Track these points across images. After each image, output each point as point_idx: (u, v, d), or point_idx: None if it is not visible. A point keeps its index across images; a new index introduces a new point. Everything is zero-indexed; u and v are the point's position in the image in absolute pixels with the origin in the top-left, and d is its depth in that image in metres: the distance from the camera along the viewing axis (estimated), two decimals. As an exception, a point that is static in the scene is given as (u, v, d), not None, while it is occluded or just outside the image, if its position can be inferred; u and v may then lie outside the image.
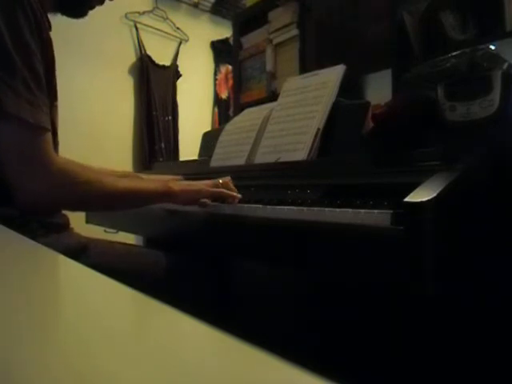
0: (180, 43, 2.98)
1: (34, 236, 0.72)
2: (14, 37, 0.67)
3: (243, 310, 1.04)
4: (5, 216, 0.70)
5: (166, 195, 0.81)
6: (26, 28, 0.68)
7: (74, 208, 0.84)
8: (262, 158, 1.07)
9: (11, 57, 0.66)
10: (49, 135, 0.71)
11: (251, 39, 2.10)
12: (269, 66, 1.97)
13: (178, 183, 0.83)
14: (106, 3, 0.90)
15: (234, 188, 0.89)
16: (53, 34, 0.81)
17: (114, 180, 0.79)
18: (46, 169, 0.69)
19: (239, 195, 0.87)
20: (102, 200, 0.78)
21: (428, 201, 0.51)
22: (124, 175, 1.03)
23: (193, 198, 0.84)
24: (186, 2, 3.02)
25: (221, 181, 0.88)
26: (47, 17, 0.78)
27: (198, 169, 1.32)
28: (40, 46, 0.71)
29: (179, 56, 2.97)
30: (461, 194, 0.56)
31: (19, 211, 0.74)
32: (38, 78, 0.70)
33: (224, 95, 3.26)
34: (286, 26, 1.89)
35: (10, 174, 0.69)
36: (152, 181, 0.85)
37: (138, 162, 2.73)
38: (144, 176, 1.14)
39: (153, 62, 2.82)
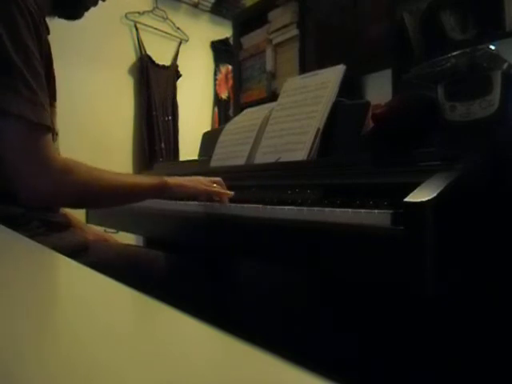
0: (180, 43, 2.98)
1: (35, 234, 0.72)
2: (13, 38, 0.67)
3: (243, 309, 1.03)
4: (7, 214, 0.70)
5: (162, 189, 0.82)
6: (24, 29, 0.69)
7: (75, 205, 0.84)
8: (262, 158, 1.07)
9: (10, 57, 0.66)
10: (50, 134, 0.72)
11: (251, 39, 2.10)
12: (269, 66, 1.97)
13: (174, 178, 0.85)
14: (101, 3, 0.91)
15: (225, 187, 0.91)
16: (53, 35, 0.82)
17: (112, 176, 0.79)
18: (48, 167, 0.70)
19: (232, 192, 0.89)
20: (101, 196, 0.79)
21: (428, 201, 0.51)
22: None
23: (188, 193, 0.87)
24: (186, 2, 3.02)
25: (214, 179, 0.91)
26: (45, 21, 0.79)
27: (198, 169, 1.31)
28: (38, 48, 0.72)
29: (179, 56, 2.97)
30: (461, 193, 0.56)
31: (22, 209, 0.75)
32: (38, 77, 0.70)
33: (224, 95, 3.26)
34: (285, 26, 1.89)
35: (13, 172, 0.69)
36: (148, 176, 0.87)
37: (139, 163, 2.72)
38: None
39: (153, 61, 2.81)
